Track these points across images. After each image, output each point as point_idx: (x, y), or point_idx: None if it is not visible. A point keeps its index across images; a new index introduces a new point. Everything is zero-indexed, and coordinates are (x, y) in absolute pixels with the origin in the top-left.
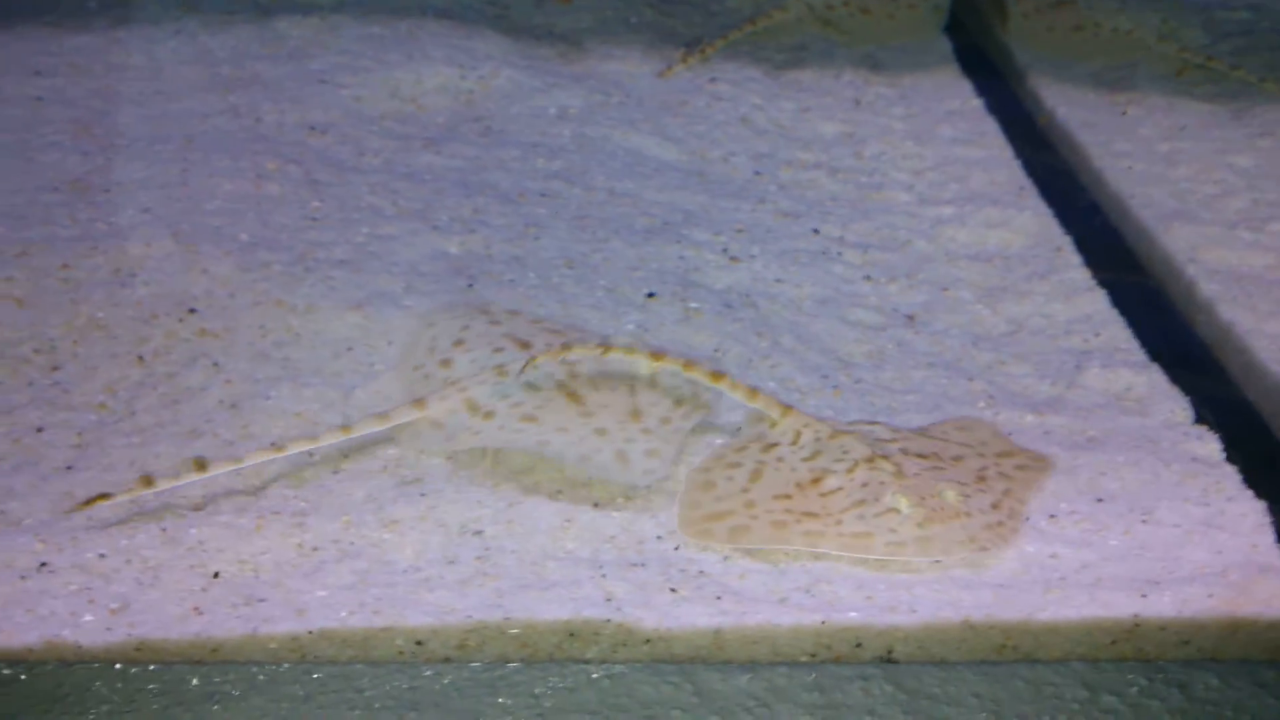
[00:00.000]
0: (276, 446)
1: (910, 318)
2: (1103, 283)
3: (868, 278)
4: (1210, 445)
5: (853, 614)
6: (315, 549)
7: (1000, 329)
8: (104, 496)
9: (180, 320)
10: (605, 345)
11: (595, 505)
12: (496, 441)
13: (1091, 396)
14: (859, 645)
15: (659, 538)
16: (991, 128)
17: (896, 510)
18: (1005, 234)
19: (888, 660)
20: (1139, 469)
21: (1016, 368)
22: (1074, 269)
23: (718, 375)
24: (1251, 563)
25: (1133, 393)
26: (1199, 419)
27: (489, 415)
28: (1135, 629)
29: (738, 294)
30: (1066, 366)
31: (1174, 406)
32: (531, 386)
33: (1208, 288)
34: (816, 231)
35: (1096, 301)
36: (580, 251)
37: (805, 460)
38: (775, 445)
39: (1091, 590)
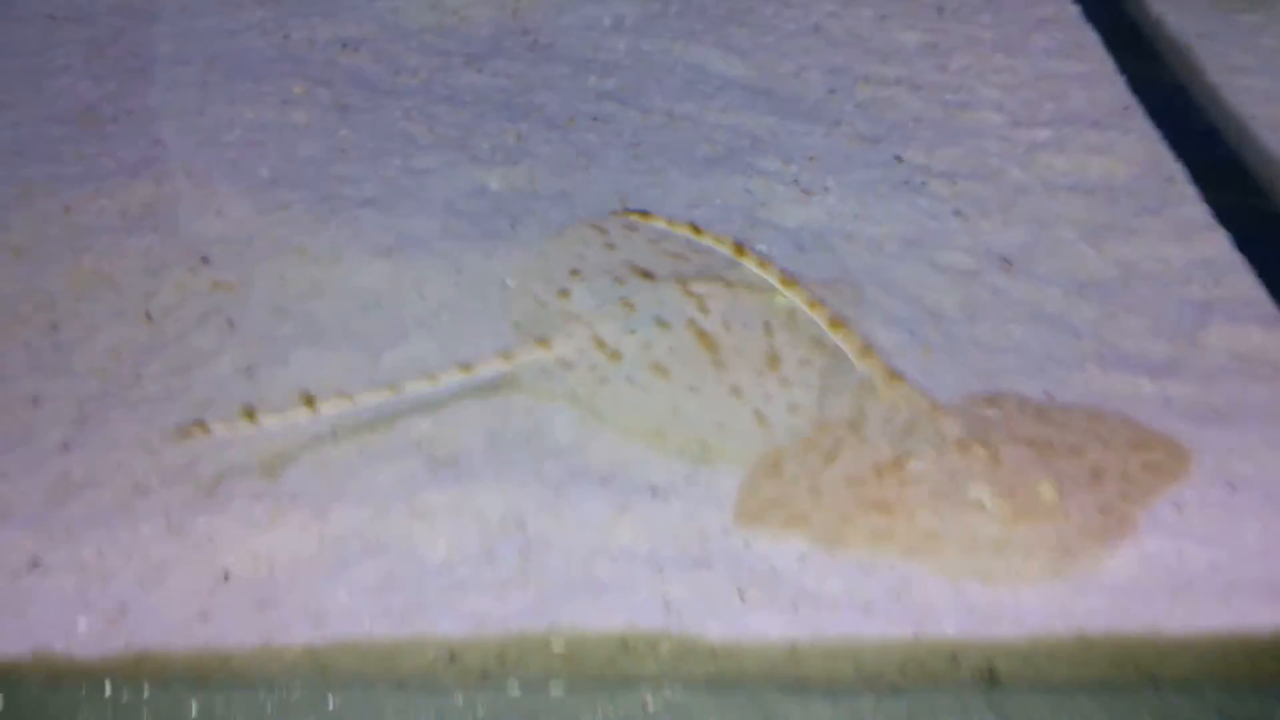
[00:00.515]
0: (392, 387)
1: (1006, 260)
2: (1223, 220)
3: (957, 213)
4: None
5: (948, 626)
6: (338, 541)
7: (1109, 274)
8: (200, 426)
9: (192, 271)
10: (739, 246)
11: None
12: (624, 404)
13: (1216, 358)
14: (955, 660)
15: (726, 530)
16: (1090, 38)
17: (980, 505)
18: (1109, 161)
19: (989, 680)
20: (1274, 451)
21: (1129, 321)
22: (1189, 203)
23: (837, 322)
24: None
25: (1264, 355)
26: None
27: (616, 355)
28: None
29: (811, 233)
30: (1186, 322)
31: None
32: (661, 322)
33: None
34: (899, 159)
35: (1217, 242)
36: (635, 185)
37: (893, 441)
38: (864, 420)
39: (1224, 596)
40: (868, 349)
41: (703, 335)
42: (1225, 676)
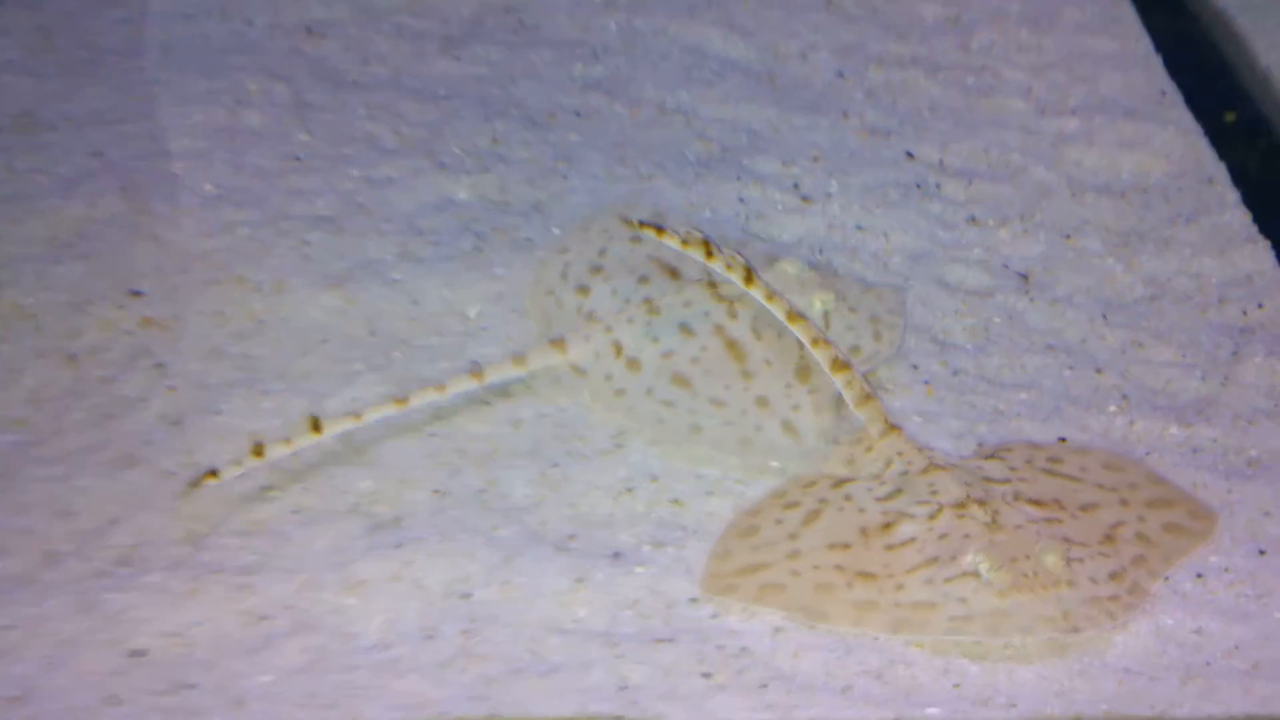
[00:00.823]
0: (397, 400)
1: (1024, 277)
2: (1268, 229)
3: (972, 219)
4: None
5: (933, 710)
6: (262, 618)
7: (1136, 293)
8: (211, 475)
9: (120, 306)
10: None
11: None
12: (641, 417)
13: (1253, 398)
14: None
15: (693, 600)
16: (1126, 11)
17: (975, 574)
18: (1143, 157)
19: None
20: None
21: (1157, 352)
22: (1230, 209)
23: (839, 364)
24: None
25: None
26: None
27: (635, 365)
28: None
29: (809, 247)
30: (1221, 353)
31: None
32: (686, 329)
33: None
34: (910, 155)
35: (1259, 256)
36: (617, 194)
37: (881, 500)
38: (850, 481)
39: (1245, 680)
40: (869, 395)
41: (731, 344)
42: None
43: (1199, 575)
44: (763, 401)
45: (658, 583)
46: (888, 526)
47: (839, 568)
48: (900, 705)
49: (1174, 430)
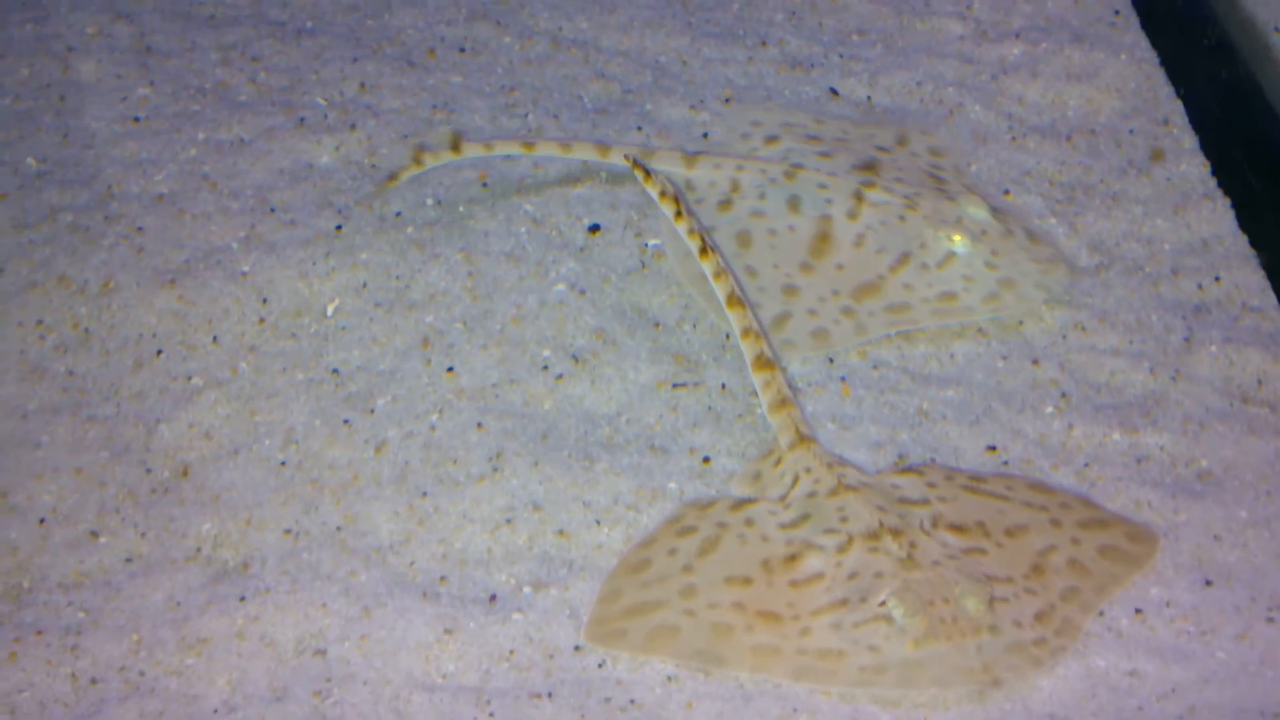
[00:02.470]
0: (526, 143)
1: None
2: (1228, 184)
3: None
4: None
5: None
6: (94, 681)
7: (1081, 262)
8: (392, 179)
9: None
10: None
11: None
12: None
13: (1206, 395)
14: None
15: (577, 648)
16: None
17: (887, 619)
18: (1091, 91)
19: None
20: (1269, 533)
21: (1102, 337)
22: (1187, 157)
23: (764, 362)
24: None
25: (1264, 392)
26: None
27: (726, 207)
28: None
29: None
30: (1173, 338)
31: None
32: (795, 204)
33: None
34: (835, 92)
35: (1218, 218)
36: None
37: (786, 528)
38: (750, 503)
39: None
40: (785, 400)
41: (823, 236)
42: None
43: (1138, 610)
44: (791, 291)
45: (537, 630)
46: (792, 559)
47: (738, 606)
48: None
49: (1117, 437)
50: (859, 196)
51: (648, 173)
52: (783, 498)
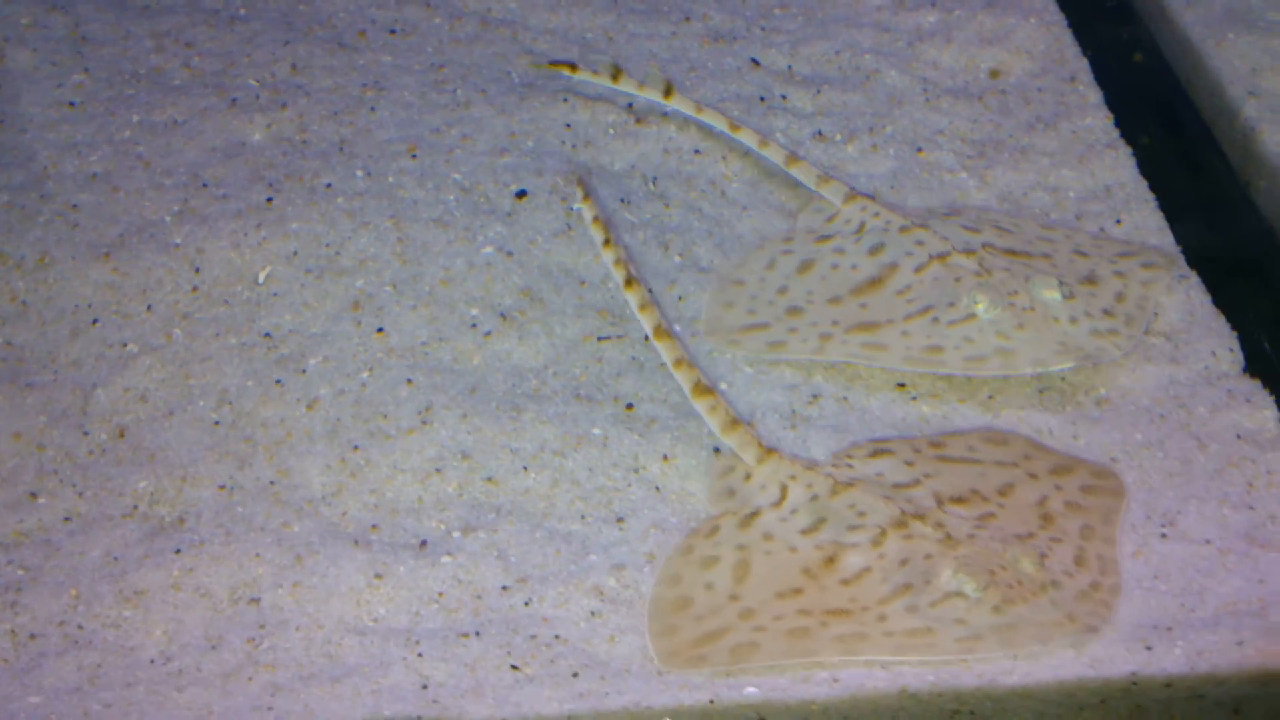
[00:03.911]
0: (643, 85)
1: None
2: (1130, 135)
3: (819, 134)
4: (1265, 412)
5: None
6: (33, 637)
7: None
8: (572, 68)
9: None
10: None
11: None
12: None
13: None
14: None
15: (504, 588)
16: None
17: (960, 594)
18: (1002, 54)
19: None
20: (1162, 453)
21: None
22: (1091, 111)
23: (702, 389)
24: None
25: (1160, 321)
26: (1250, 367)
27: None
28: (1131, 690)
29: (641, 177)
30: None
31: (1217, 345)
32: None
33: (1275, 136)
34: (756, 63)
35: (1120, 165)
36: (432, 126)
37: (805, 533)
38: (755, 515)
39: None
40: (736, 421)
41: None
42: None
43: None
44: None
45: (466, 572)
46: (830, 561)
47: (803, 612)
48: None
49: None
50: (943, 257)
51: (586, 193)
52: (775, 504)
